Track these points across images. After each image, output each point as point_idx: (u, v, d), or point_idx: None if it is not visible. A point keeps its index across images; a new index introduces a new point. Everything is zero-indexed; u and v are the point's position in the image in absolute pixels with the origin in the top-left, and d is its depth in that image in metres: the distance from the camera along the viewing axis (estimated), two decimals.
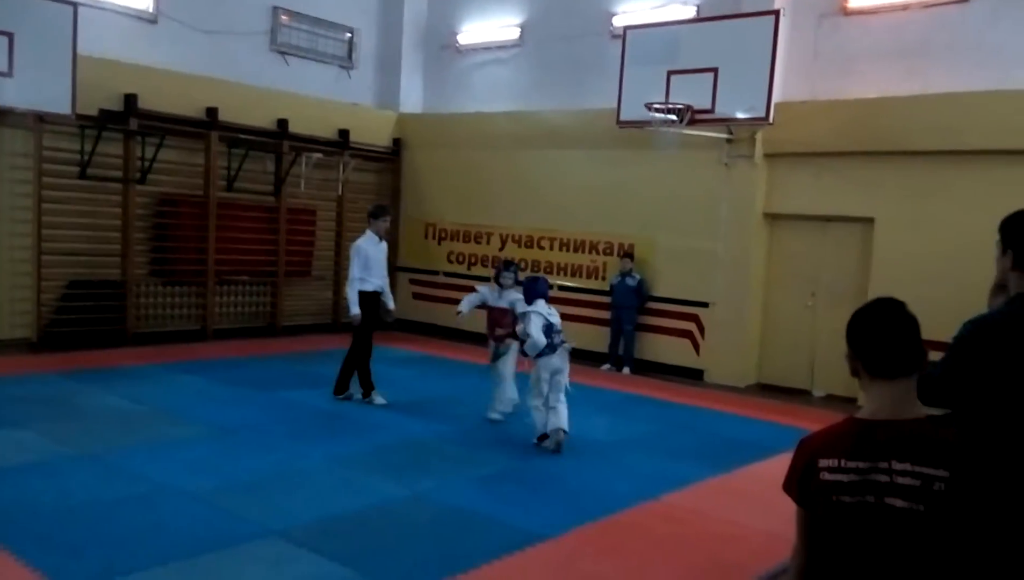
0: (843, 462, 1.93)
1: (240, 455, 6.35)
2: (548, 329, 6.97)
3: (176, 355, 10.18)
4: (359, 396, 8.28)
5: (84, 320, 10.39)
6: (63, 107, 9.77)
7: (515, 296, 7.71)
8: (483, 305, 8.10)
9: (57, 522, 4.81)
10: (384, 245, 8.38)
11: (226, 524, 4.92)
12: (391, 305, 8.52)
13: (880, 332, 1.99)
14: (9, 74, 9.37)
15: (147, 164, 10.62)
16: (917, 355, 1.97)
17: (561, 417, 6.92)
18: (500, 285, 7.94)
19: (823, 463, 1.97)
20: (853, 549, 1.93)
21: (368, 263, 8.15)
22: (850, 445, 1.95)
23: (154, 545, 4.54)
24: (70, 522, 4.82)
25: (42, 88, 9.59)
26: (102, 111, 10.39)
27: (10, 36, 9.36)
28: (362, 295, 8.12)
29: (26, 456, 5.95)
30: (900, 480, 1.86)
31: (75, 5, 9.94)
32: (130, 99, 10.59)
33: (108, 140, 10.34)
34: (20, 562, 4.21)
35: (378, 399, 8.21)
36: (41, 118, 9.81)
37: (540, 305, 7.13)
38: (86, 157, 10.14)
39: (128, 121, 10.59)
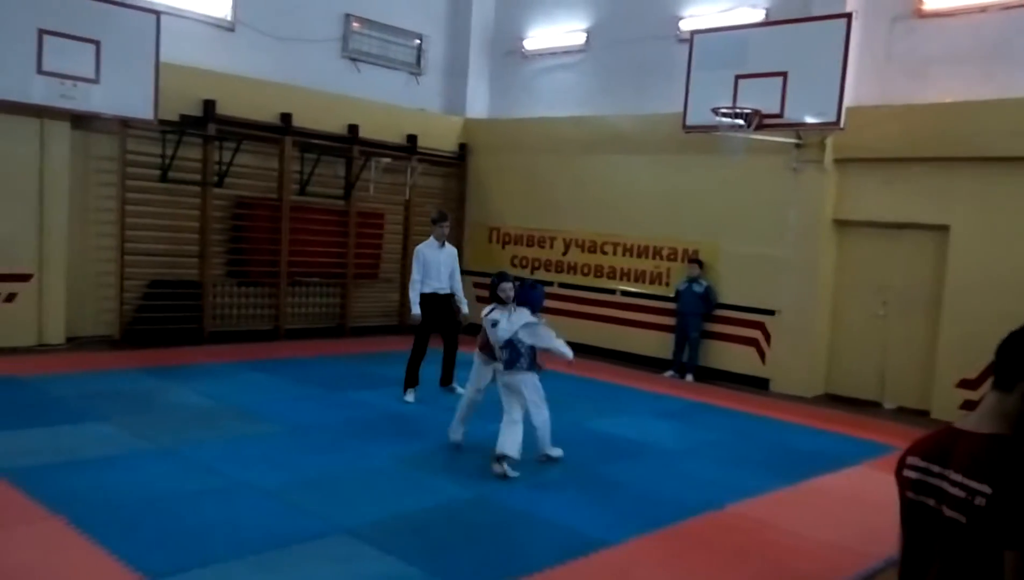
0: (918, 461, 2.02)
1: (310, 452, 6.54)
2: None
3: (249, 354, 10.49)
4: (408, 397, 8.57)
5: (163, 318, 10.80)
6: (146, 113, 10.18)
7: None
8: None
9: (137, 513, 5.02)
10: (448, 249, 8.76)
11: (297, 520, 5.08)
12: (464, 309, 8.96)
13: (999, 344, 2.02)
14: (96, 81, 9.80)
15: (224, 168, 10.98)
16: (1007, 372, 1.94)
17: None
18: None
19: (909, 459, 2.07)
20: (910, 545, 2.03)
21: (426, 267, 8.52)
22: (930, 447, 2.02)
23: (229, 538, 4.72)
24: (149, 513, 5.03)
25: (126, 94, 10.00)
26: (182, 116, 10.77)
27: (97, 44, 9.78)
28: (422, 297, 8.52)
29: (109, 449, 6.23)
30: (951, 490, 1.91)
31: (158, 14, 10.34)
32: (209, 105, 10.96)
33: (188, 144, 10.72)
34: (104, 551, 4.42)
35: (408, 397, 8.54)
36: (125, 123, 10.23)
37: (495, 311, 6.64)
38: (167, 161, 10.54)
39: (207, 126, 10.95)
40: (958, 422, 2.05)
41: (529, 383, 6.41)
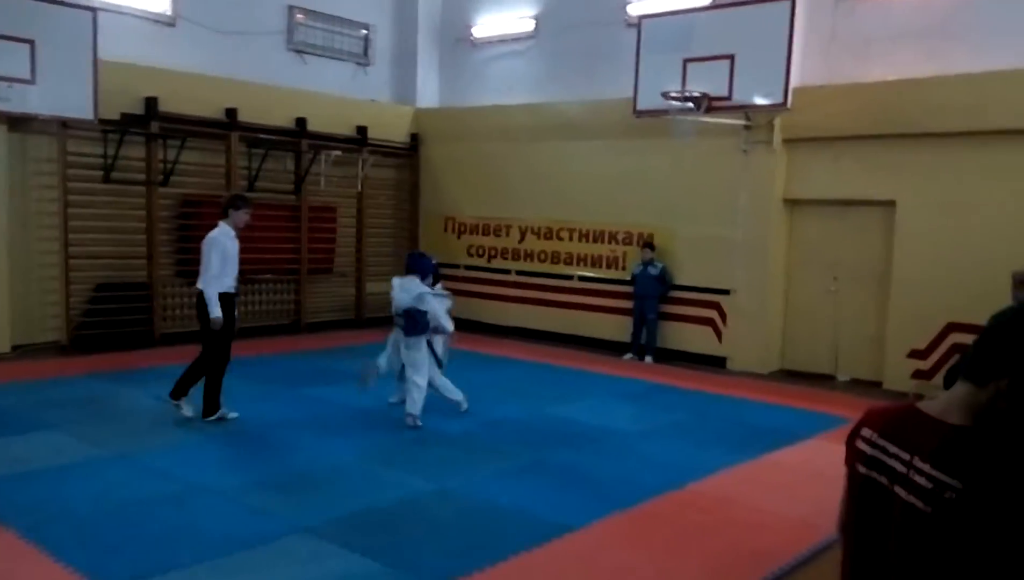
0: (874, 436, 1.97)
1: (268, 452, 6.46)
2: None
3: None
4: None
5: (112, 322, 10.55)
6: (85, 112, 9.89)
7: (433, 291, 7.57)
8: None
9: (93, 522, 4.91)
10: (237, 241, 7.31)
11: (257, 521, 5.01)
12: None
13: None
14: (32, 81, 9.51)
15: (169, 166, 10.74)
16: (982, 367, 1.85)
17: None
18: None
19: (863, 431, 2.02)
20: (862, 517, 1.99)
21: (225, 259, 7.09)
22: (888, 424, 1.97)
23: (189, 544, 4.63)
24: (106, 522, 4.92)
25: (64, 94, 9.71)
26: (124, 115, 10.50)
27: (31, 43, 9.48)
28: (220, 297, 7.05)
29: (61, 458, 6.07)
30: (916, 478, 1.87)
31: (94, 11, 10.05)
32: (151, 102, 10.71)
33: (130, 143, 10.46)
34: (59, 562, 4.31)
35: (230, 415, 7.28)
36: (64, 124, 9.95)
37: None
38: (109, 161, 10.27)
39: (149, 124, 10.70)
40: (921, 404, 2.01)
41: (413, 347, 7.21)
